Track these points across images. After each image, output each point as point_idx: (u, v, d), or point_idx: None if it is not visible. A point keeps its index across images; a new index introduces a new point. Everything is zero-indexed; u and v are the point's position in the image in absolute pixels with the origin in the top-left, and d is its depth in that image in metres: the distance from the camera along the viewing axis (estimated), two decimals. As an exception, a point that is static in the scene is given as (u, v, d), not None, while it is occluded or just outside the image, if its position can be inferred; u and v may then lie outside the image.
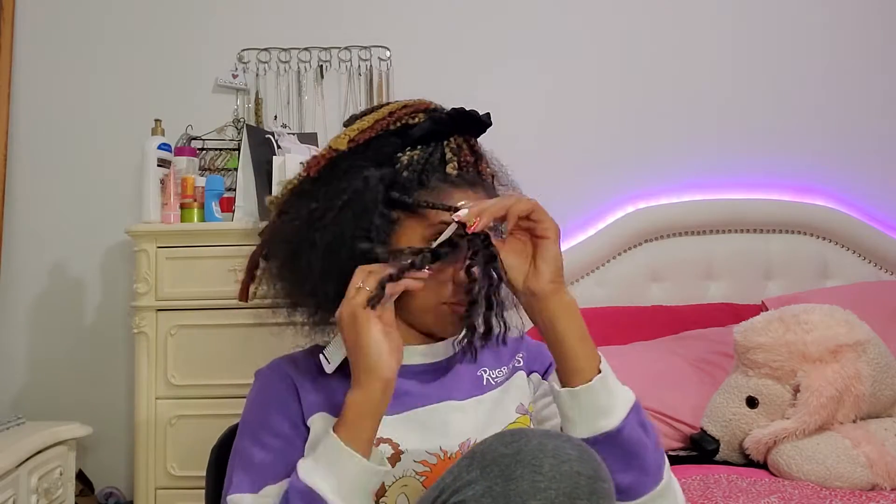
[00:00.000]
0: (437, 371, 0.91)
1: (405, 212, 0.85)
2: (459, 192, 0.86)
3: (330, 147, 0.86)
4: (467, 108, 0.89)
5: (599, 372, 0.76)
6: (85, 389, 2.23)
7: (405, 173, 0.85)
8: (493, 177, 0.93)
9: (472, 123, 0.89)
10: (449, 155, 0.87)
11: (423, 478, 0.83)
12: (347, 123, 0.91)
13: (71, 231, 2.27)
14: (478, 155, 0.91)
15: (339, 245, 0.83)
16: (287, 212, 0.88)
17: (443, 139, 0.88)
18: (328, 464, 0.73)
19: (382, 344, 0.76)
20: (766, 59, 2.37)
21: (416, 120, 0.87)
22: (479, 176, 0.90)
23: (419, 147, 0.87)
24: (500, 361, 0.95)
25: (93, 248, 2.27)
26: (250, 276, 0.93)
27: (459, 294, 0.85)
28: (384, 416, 0.78)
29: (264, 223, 0.93)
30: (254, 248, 0.93)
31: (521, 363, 0.96)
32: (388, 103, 0.90)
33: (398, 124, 0.86)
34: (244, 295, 0.94)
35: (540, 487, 0.61)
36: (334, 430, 0.75)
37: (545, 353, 0.95)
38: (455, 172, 0.86)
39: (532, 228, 0.80)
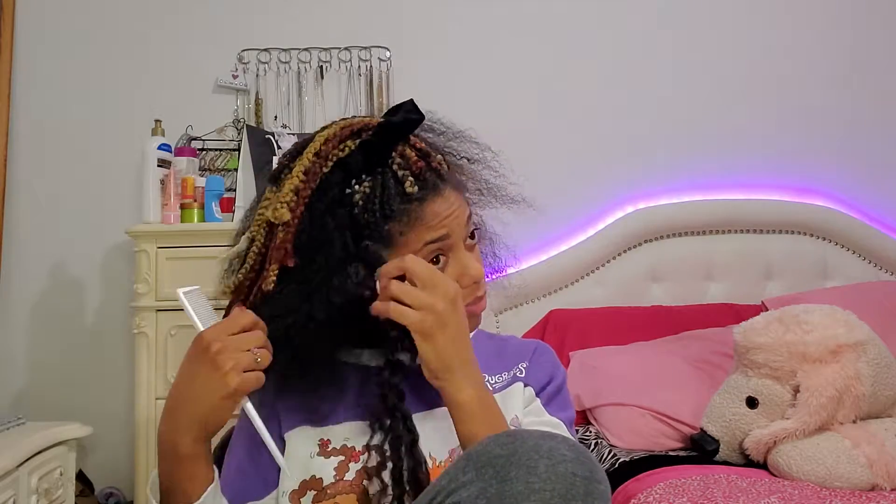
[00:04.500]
0: None
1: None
2: (429, 207, 0.80)
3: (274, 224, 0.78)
4: (400, 104, 0.82)
5: None
6: (85, 389, 2.23)
7: (366, 215, 0.78)
8: (446, 163, 0.85)
9: (403, 130, 0.81)
10: (401, 173, 0.79)
11: None
12: (272, 179, 0.84)
13: (71, 231, 2.26)
14: (424, 153, 0.82)
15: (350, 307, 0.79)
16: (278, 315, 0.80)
17: (385, 159, 0.80)
18: None
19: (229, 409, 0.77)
20: (766, 59, 2.37)
21: (346, 151, 0.80)
22: (437, 175, 0.81)
23: (366, 178, 0.79)
24: (502, 365, 0.92)
25: (93, 248, 2.27)
26: None
27: (469, 294, 0.83)
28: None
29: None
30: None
31: (523, 374, 0.92)
32: (306, 140, 0.83)
33: (330, 163, 0.80)
34: None
35: (535, 489, 0.60)
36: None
37: (544, 371, 0.93)
38: (415, 189, 0.78)
39: None
